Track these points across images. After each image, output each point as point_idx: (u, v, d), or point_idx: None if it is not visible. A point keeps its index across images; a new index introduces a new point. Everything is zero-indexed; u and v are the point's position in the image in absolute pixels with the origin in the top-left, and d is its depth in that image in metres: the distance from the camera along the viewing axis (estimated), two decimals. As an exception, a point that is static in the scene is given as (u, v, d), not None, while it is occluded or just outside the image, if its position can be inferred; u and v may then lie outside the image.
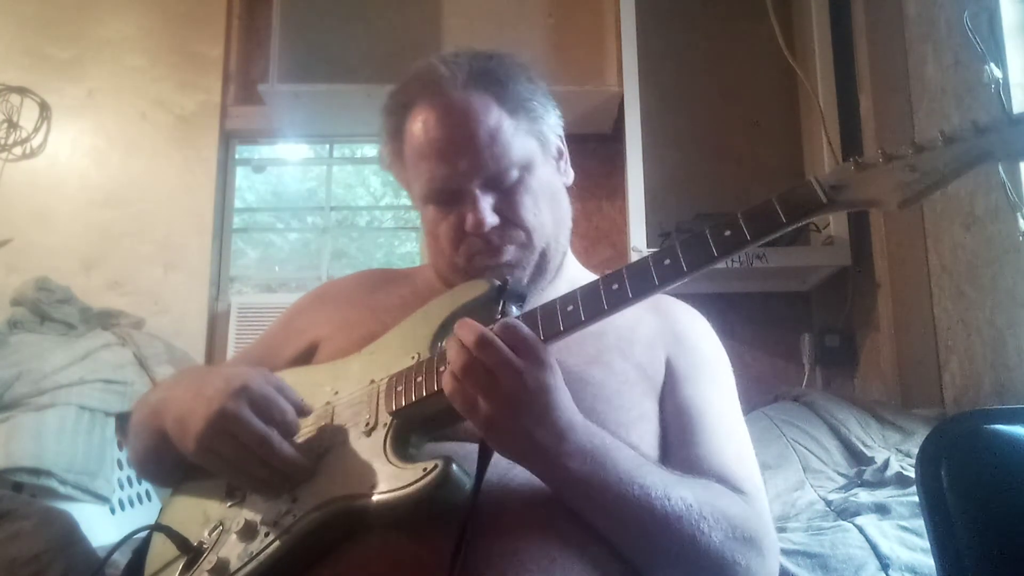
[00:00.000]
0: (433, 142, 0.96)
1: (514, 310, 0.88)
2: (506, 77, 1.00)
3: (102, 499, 2.09)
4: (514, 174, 0.97)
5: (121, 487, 2.20)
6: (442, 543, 0.74)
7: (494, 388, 0.74)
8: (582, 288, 0.82)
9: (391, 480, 0.77)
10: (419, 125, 0.98)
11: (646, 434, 0.93)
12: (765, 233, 0.75)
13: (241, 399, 0.83)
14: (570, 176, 1.10)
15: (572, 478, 0.77)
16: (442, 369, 0.82)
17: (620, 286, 0.79)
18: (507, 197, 0.97)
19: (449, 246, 0.99)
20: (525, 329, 0.77)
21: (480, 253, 0.97)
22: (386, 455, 0.80)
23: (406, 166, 1.02)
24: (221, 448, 0.82)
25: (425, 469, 0.76)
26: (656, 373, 0.99)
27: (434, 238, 1.02)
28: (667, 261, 0.78)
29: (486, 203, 0.95)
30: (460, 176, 0.95)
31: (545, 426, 0.75)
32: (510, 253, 0.98)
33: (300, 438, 0.88)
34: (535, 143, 1.01)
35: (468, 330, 0.77)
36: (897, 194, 0.72)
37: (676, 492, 0.80)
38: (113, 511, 2.14)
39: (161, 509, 0.98)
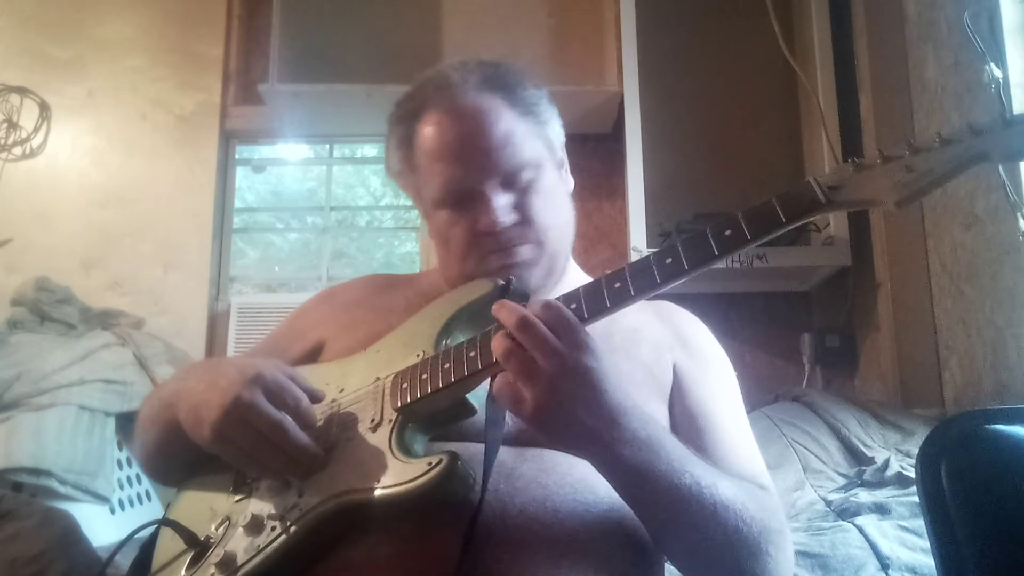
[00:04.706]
0: (448, 144, 0.97)
1: None
2: (514, 82, 1.02)
3: (102, 499, 2.09)
4: (527, 174, 0.98)
5: (121, 487, 2.20)
6: (448, 539, 0.74)
7: (537, 374, 0.72)
8: (585, 286, 0.82)
9: (396, 475, 0.78)
10: (432, 129, 0.98)
11: None
12: (765, 233, 0.76)
13: (256, 387, 0.83)
14: (570, 184, 1.10)
15: (627, 466, 0.75)
16: (447, 366, 0.82)
17: (623, 284, 0.79)
18: (520, 197, 0.98)
19: (463, 249, 0.99)
20: (567, 310, 0.76)
21: (494, 253, 0.97)
22: (391, 451, 0.81)
23: (418, 171, 1.02)
24: (236, 436, 0.82)
25: (430, 464, 0.76)
26: (663, 376, 0.99)
27: (445, 243, 1.02)
28: (669, 260, 0.79)
29: (500, 203, 0.96)
30: (475, 176, 0.96)
31: (594, 411, 0.73)
32: (524, 253, 0.98)
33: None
34: (543, 147, 1.03)
35: (509, 312, 0.75)
36: (894, 194, 0.73)
37: (721, 483, 0.81)
38: (113, 511, 2.14)
39: (168, 505, 0.99)
